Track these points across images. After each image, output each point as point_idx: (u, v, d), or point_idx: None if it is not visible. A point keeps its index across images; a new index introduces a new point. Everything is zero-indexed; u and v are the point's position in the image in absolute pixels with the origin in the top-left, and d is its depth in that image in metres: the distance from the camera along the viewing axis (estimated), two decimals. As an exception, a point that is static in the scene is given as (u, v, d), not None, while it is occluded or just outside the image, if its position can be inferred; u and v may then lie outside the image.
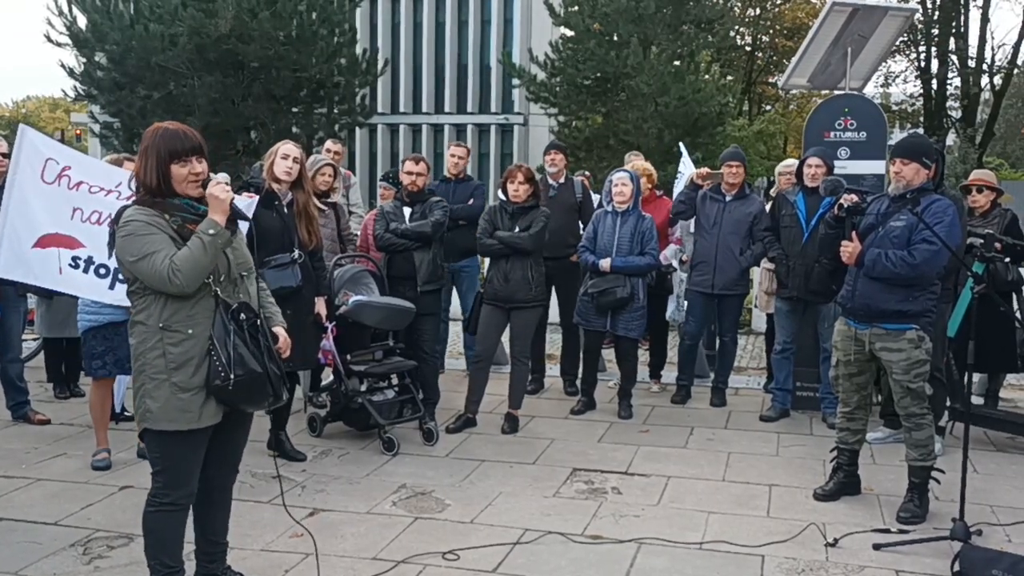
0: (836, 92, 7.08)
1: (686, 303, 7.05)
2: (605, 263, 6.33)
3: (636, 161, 7.39)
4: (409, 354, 6.07)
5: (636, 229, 6.37)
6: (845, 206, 4.66)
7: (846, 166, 6.56)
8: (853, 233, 4.65)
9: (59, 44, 17.51)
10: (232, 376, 3.17)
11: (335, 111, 19.27)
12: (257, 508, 4.61)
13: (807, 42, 6.77)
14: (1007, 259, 6.11)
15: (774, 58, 38.70)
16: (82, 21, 17.49)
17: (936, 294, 4.59)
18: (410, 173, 6.09)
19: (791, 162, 7.29)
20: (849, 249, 4.60)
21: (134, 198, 3.36)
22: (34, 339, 7.65)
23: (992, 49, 41.92)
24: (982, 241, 5.91)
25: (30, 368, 7.16)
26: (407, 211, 6.12)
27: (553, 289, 7.11)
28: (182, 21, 16.15)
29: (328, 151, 8.18)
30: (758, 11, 38.65)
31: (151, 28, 16.25)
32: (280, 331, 3.55)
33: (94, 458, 5.26)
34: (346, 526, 4.42)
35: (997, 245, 5.98)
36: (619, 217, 6.42)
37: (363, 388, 5.83)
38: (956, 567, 3.88)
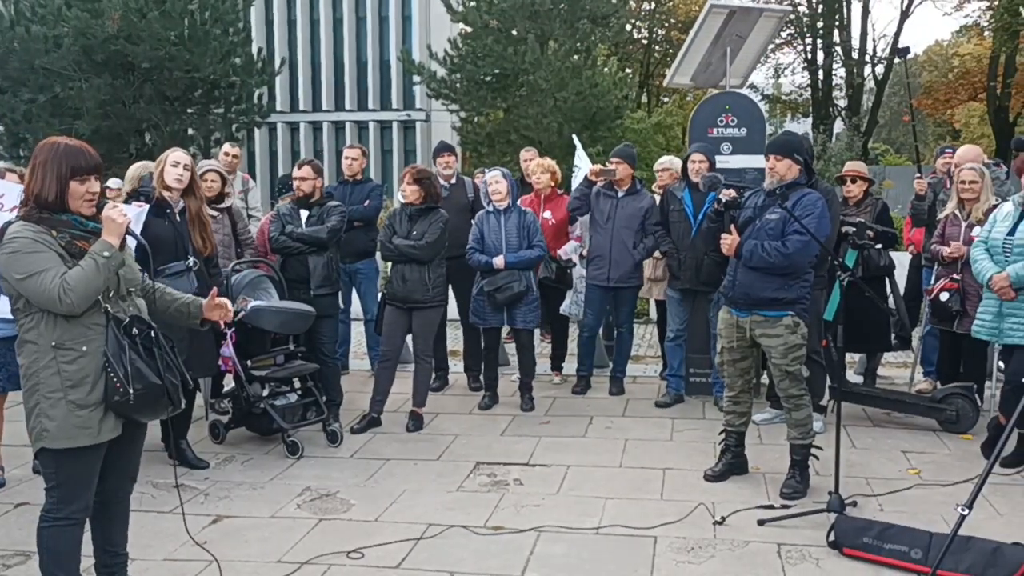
0: (719, 89, 7.37)
1: (583, 297, 7.24)
2: (499, 260, 6.48)
3: (542, 160, 7.50)
4: (310, 357, 6.10)
5: (521, 224, 6.55)
6: (723, 200, 4.92)
7: (728, 161, 6.86)
8: (732, 226, 4.90)
9: (-67, 46, 16.75)
10: (132, 391, 3.18)
11: (232, 111, 18.96)
12: (159, 518, 4.59)
13: (688, 42, 7.05)
14: (879, 245, 6.49)
15: (670, 51, 39.52)
16: (-41, 23, 16.77)
17: (810, 282, 4.87)
18: (296, 178, 6.14)
19: (665, 159, 7.56)
20: (728, 241, 4.85)
21: (17, 211, 3.32)
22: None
23: (874, 40, 43.64)
24: (854, 229, 6.29)
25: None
26: (304, 214, 6.14)
27: (451, 288, 7.21)
28: (66, 22, 15.68)
29: (225, 155, 8.11)
30: (653, 5, 39.47)
31: (33, 30, 15.72)
32: (211, 299, 3.58)
33: (-13, 476, 5.15)
34: (250, 531, 4.45)
35: (869, 233, 6.36)
36: (502, 215, 6.58)
37: (265, 393, 5.83)
38: (831, 537, 4.16)
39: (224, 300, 3.63)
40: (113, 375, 3.17)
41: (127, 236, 3.28)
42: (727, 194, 4.92)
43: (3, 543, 4.31)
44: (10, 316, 4.71)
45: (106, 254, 3.13)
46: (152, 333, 3.33)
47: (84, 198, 3.21)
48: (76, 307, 3.10)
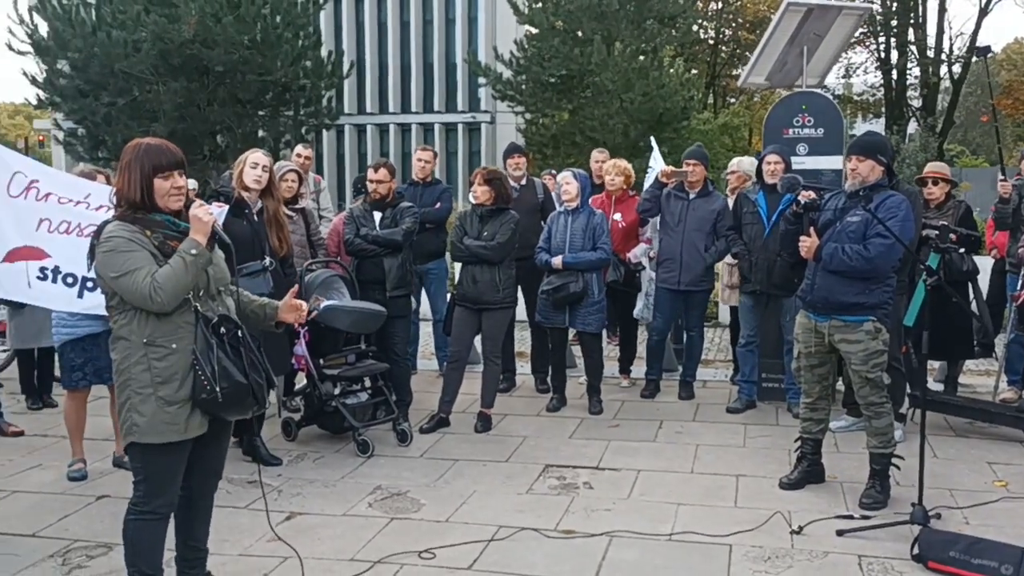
0: (796, 90, 7.23)
1: (652, 300, 7.16)
2: (557, 260, 6.47)
3: (618, 161, 7.41)
4: (381, 356, 6.14)
5: (587, 225, 6.50)
6: (802, 202, 4.81)
7: (804, 162, 6.71)
8: (811, 228, 4.79)
9: (20, 52, 17.35)
10: (218, 389, 3.24)
11: (301, 114, 19.25)
12: (235, 513, 4.67)
13: (764, 41, 6.92)
14: (962, 249, 6.28)
15: (737, 51, 39.08)
16: (44, 29, 17.34)
17: (892, 286, 4.73)
18: (371, 181, 6.18)
19: (735, 161, 7.44)
20: (807, 244, 4.74)
21: (105, 209, 3.40)
22: (4, 351, 7.63)
23: (950, 39, 42.52)
24: (937, 233, 6.10)
25: (2, 379, 7.16)
26: (377, 215, 6.19)
27: (521, 289, 7.20)
28: (145, 27, 16.07)
29: (298, 156, 8.22)
30: (720, 5, 38.99)
31: (113, 35, 16.16)
32: (287, 301, 3.64)
33: (70, 468, 5.29)
34: (323, 528, 4.49)
35: (952, 236, 6.16)
36: (570, 215, 6.55)
37: (336, 391, 5.89)
38: (915, 550, 4.03)
39: (300, 302, 3.67)
40: (201, 373, 3.23)
41: (216, 237, 3.34)
42: (806, 195, 4.80)
43: (86, 534, 4.42)
44: (96, 311, 4.89)
45: (193, 252, 3.19)
46: (239, 332, 3.38)
47: (170, 194, 3.28)
48: (166, 305, 3.16)
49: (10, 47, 17.21)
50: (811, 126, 6.80)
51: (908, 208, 4.57)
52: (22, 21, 17.21)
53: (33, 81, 17.78)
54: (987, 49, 7.36)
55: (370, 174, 6.23)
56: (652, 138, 9.42)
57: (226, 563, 4.03)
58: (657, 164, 7.20)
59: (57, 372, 6.09)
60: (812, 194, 4.80)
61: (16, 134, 51.91)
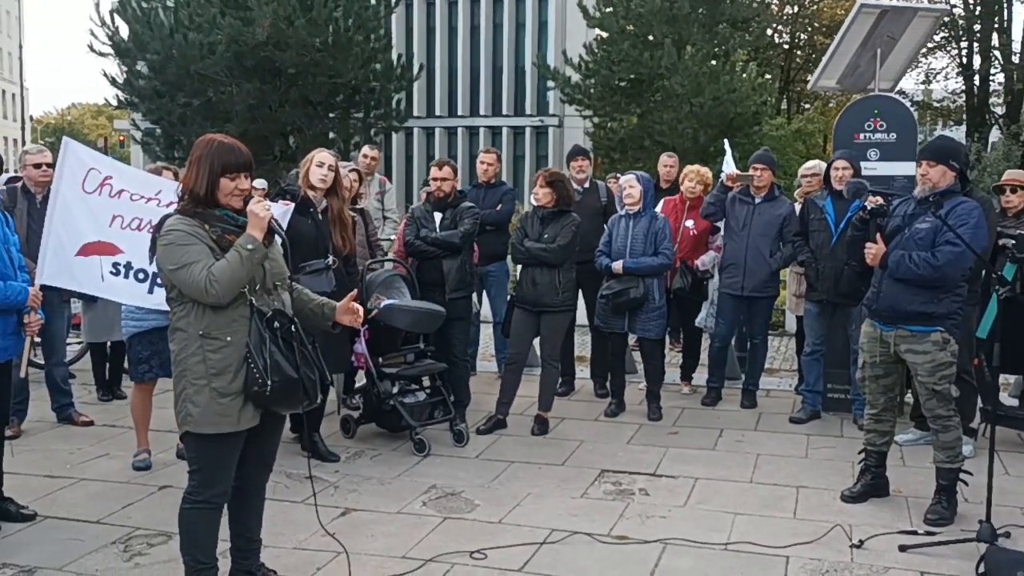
0: (869, 93, 7.05)
1: (716, 308, 7.06)
2: (617, 265, 6.41)
3: (700, 168, 7.33)
4: (440, 357, 6.17)
5: (649, 230, 6.42)
6: (869, 208, 4.69)
7: (876, 168, 6.54)
8: (878, 235, 4.67)
9: (102, 54, 17.95)
10: (269, 383, 3.29)
11: (371, 116, 19.51)
12: (291, 508, 4.73)
13: (836, 43, 6.77)
14: (1041, 260, 6.05)
15: (813, 56, 38.29)
16: (124, 31, 17.90)
17: (962, 296, 4.58)
18: (435, 179, 6.20)
19: (812, 163, 7.28)
20: (873, 251, 4.62)
21: (175, 205, 3.48)
22: (78, 343, 7.87)
23: (1038, 43, 40.99)
24: (1014, 242, 5.88)
25: (75, 370, 7.38)
26: (437, 216, 6.22)
27: (581, 293, 7.16)
28: (220, 29, 16.49)
29: (364, 157, 8.33)
30: (796, 8, 38.34)
31: (190, 37, 16.62)
32: (345, 303, 3.66)
33: (135, 458, 5.43)
34: (377, 525, 4.53)
35: (1030, 246, 5.94)
36: (632, 219, 6.49)
37: (395, 390, 5.94)
38: (981, 568, 3.89)
39: (357, 305, 3.69)
40: (253, 366, 3.28)
41: (273, 232, 3.39)
42: (873, 201, 4.68)
43: (148, 523, 4.53)
44: (156, 306, 5.01)
45: (249, 247, 3.24)
46: (293, 327, 3.43)
47: (233, 194, 3.34)
48: (221, 298, 3.22)
49: (91, 48, 17.80)
50: (883, 131, 6.63)
51: (980, 215, 4.41)
52: (103, 23, 17.80)
53: (113, 82, 18.38)
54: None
55: (434, 172, 6.26)
56: (726, 140, 9.30)
57: (280, 556, 4.08)
58: (728, 168, 7.10)
59: (127, 365, 6.25)
60: (880, 200, 4.68)
61: (98, 134, 53.70)
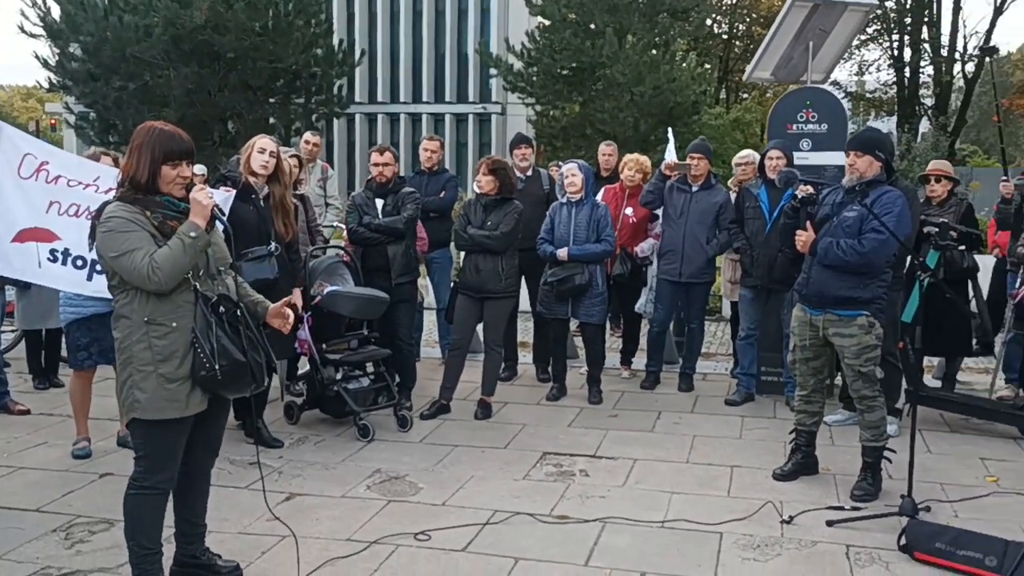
0: (802, 85, 7.25)
1: (654, 294, 7.21)
2: (563, 252, 6.51)
3: (640, 157, 7.44)
4: (383, 343, 6.21)
5: (591, 217, 6.54)
6: (800, 196, 4.85)
7: (808, 157, 6.75)
8: (808, 223, 4.84)
9: (33, 35, 17.46)
10: (218, 367, 3.31)
11: (312, 101, 19.33)
12: (236, 493, 4.75)
13: (770, 36, 6.95)
14: (962, 247, 6.31)
15: (751, 46, 38.84)
16: (56, 12, 17.43)
17: (886, 282, 4.77)
18: (376, 164, 6.23)
19: (746, 153, 7.45)
20: (803, 238, 4.79)
21: (114, 192, 3.47)
22: (12, 331, 7.73)
23: (964, 37, 42.31)
24: (937, 230, 6.13)
25: (10, 359, 7.25)
26: (379, 203, 6.25)
27: (524, 280, 7.25)
28: (157, 12, 16.19)
29: (306, 143, 8.29)
30: (734, 0, 38.84)
31: (125, 19, 16.28)
32: (276, 307, 3.66)
33: (74, 447, 5.38)
34: (321, 509, 4.57)
35: (952, 234, 6.19)
36: (574, 207, 6.59)
37: (338, 376, 5.97)
38: (902, 541, 4.09)
39: (287, 311, 3.67)
40: (200, 351, 3.30)
41: (215, 219, 3.40)
42: (804, 190, 4.86)
43: (89, 510, 4.51)
44: (104, 294, 4.97)
45: (192, 234, 3.25)
46: (238, 312, 3.45)
47: (175, 182, 3.34)
48: (164, 285, 3.23)
49: (22, 29, 17.32)
50: (815, 121, 6.84)
51: (904, 204, 4.60)
52: (35, 3, 17.32)
53: (45, 64, 17.90)
54: (994, 50, 7.41)
55: (374, 157, 6.28)
56: (670, 129, 9.44)
57: (224, 540, 4.10)
58: (669, 156, 7.23)
59: (64, 352, 6.17)
60: (809, 188, 4.85)
61: (28, 116, 52.13)
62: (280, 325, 3.68)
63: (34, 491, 4.78)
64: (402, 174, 6.51)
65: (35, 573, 3.83)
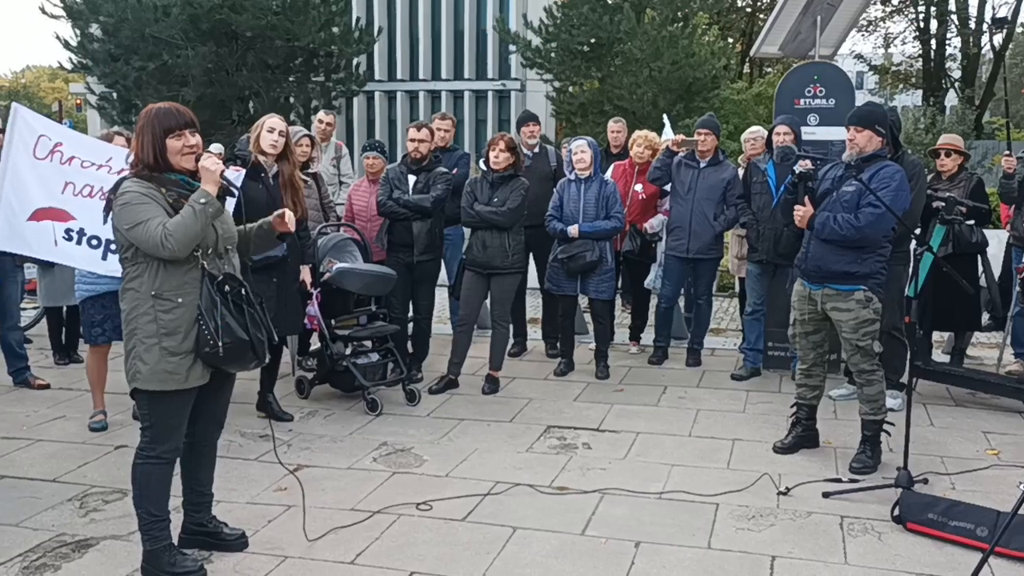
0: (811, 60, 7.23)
1: (663, 269, 7.25)
2: (573, 229, 6.55)
3: (649, 134, 7.48)
4: (391, 318, 6.32)
5: (600, 194, 6.58)
6: (798, 172, 4.88)
7: (815, 133, 6.75)
8: (807, 198, 4.86)
9: (53, 16, 17.61)
10: (220, 344, 3.42)
11: (330, 80, 19.38)
12: (244, 465, 4.88)
13: (777, 11, 6.94)
14: (971, 222, 6.30)
15: (774, 20, 38.37)
16: (76, -8, 17.55)
17: (884, 256, 4.80)
18: (412, 140, 6.31)
19: (755, 128, 7.46)
20: (800, 212, 4.82)
21: (126, 172, 3.58)
22: (35, 308, 7.90)
23: (993, 7, 41.50)
24: (944, 204, 6.12)
25: (32, 335, 7.43)
26: (411, 179, 6.33)
27: (532, 256, 7.31)
28: (175, -9, 16.25)
29: (320, 122, 8.36)
30: (757, -28, 38.36)
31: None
32: (276, 217, 3.79)
33: (91, 420, 5.54)
34: (327, 480, 4.69)
35: (961, 208, 6.17)
36: (582, 184, 6.63)
37: (348, 352, 6.08)
38: (895, 511, 4.14)
39: (284, 210, 3.82)
40: (204, 328, 3.41)
41: (228, 196, 3.50)
42: (803, 165, 4.88)
43: (103, 481, 4.66)
44: (117, 273, 5.09)
45: (202, 200, 3.36)
46: (243, 291, 3.55)
47: (182, 152, 3.45)
48: (177, 252, 3.33)
49: (43, 11, 17.47)
50: (822, 96, 6.82)
51: (903, 179, 4.61)
52: (55, -16, 17.44)
53: (66, 45, 18.05)
54: (1004, 20, 7.28)
55: (411, 132, 6.36)
56: (665, 116, 9.45)
57: (232, 510, 4.23)
58: (667, 136, 7.25)
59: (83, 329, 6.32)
60: (808, 163, 4.87)
61: (54, 97, 52.62)
62: (285, 228, 3.79)
63: (51, 462, 4.94)
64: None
65: (50, 539, 3.97)
